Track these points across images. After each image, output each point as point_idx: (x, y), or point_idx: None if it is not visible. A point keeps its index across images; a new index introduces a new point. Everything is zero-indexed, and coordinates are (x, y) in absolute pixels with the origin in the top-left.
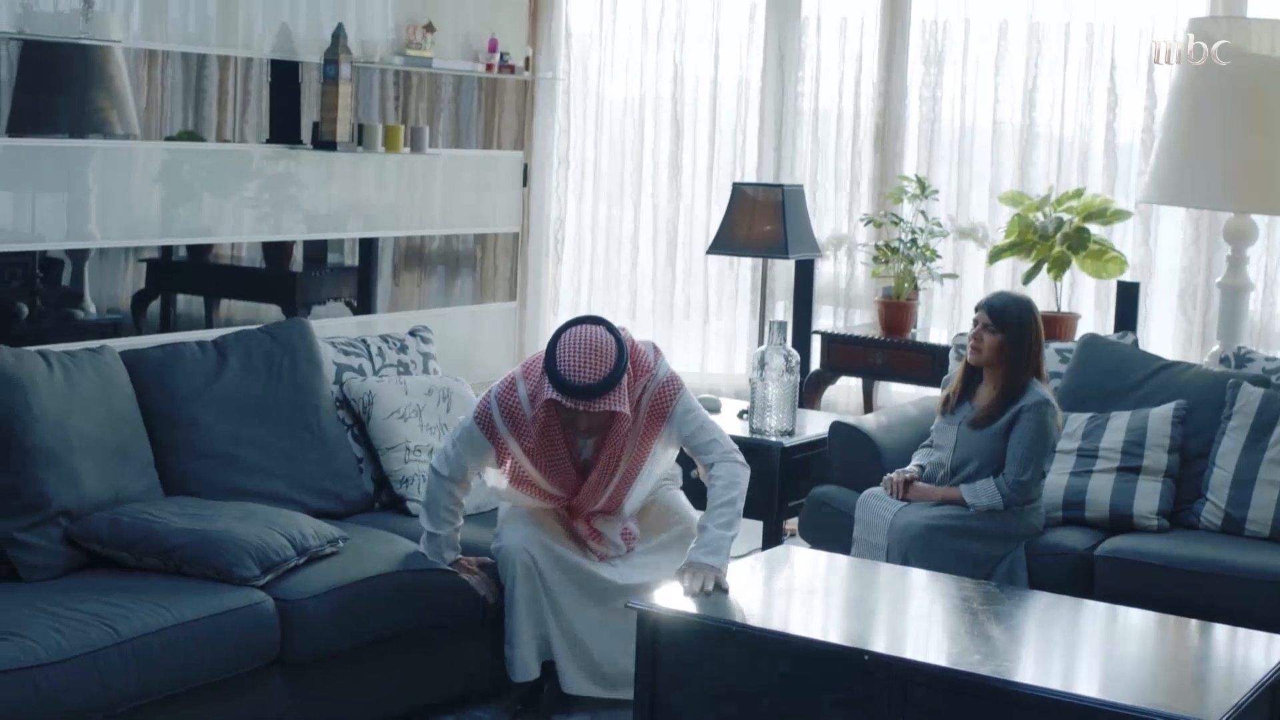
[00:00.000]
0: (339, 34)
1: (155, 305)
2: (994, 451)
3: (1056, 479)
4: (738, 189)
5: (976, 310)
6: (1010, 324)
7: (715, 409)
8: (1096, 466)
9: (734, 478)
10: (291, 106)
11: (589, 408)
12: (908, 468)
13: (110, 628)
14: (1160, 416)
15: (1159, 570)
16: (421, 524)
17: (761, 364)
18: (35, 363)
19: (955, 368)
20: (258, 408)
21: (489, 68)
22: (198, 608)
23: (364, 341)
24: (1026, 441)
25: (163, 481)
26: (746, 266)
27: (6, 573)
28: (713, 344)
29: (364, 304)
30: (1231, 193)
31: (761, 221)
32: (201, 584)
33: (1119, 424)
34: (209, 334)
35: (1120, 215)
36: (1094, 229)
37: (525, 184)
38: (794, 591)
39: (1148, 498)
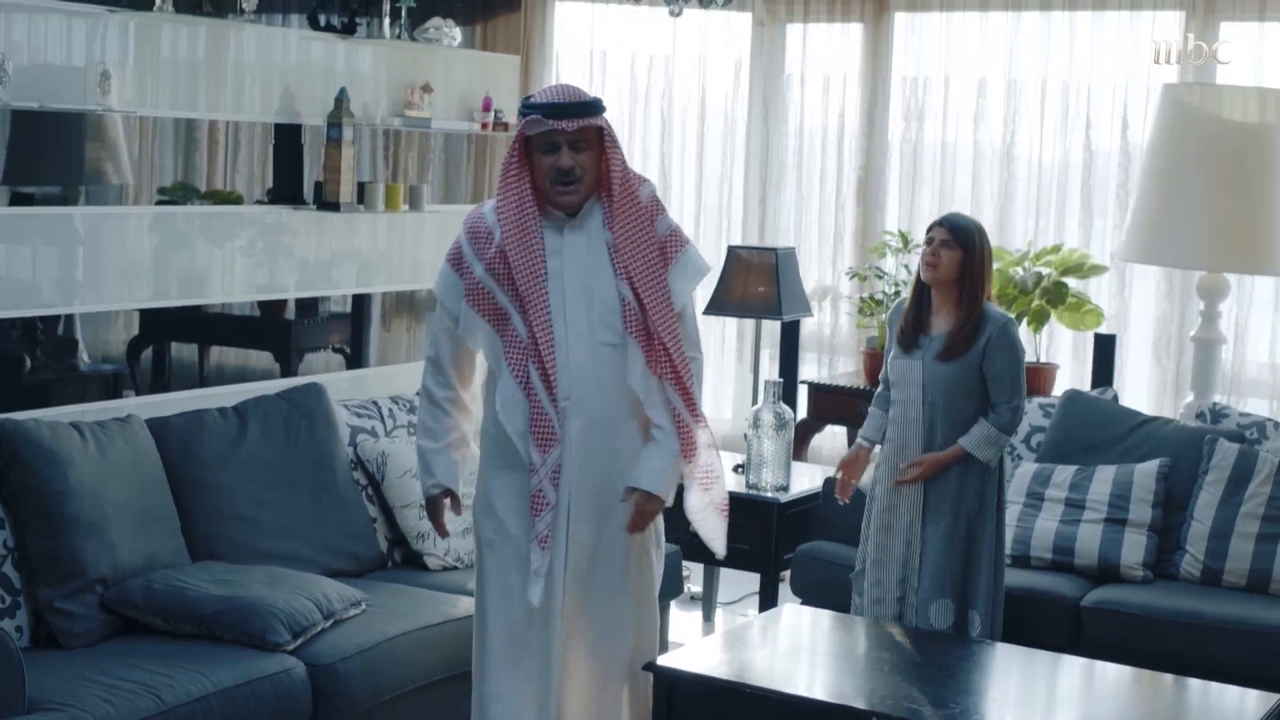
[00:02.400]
0: (342, 97)
1: (149, 353)
2: (969, 381)
3: (1046, 525)
4: (733, 252)
5: (932, 229)
6: (971, 241)
7: None
8: (1084, 516)
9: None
10: (294, 168)
11: (568, 125)
12: (861, 442)
13: (155, 696)
14: (1145, 472)
15: (1143, 621)
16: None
17: (756, 421)
18: (69, 435)
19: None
20: (278, 471)
21: (484, 126)
22: (235, 674)
23: (375, 403)
24: (1010, 365)
25: (189, 545)
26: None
27: (45, 639)
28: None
29: (356, 351)
30: (1205, 252)
31: (755, 283)
32: (235, 650)
33: (1105, 476)
34: (226, 391)
35: (1096, 270)
36: (1071, 283)
37: None
38: (800, 651)
39: (1134, 549)
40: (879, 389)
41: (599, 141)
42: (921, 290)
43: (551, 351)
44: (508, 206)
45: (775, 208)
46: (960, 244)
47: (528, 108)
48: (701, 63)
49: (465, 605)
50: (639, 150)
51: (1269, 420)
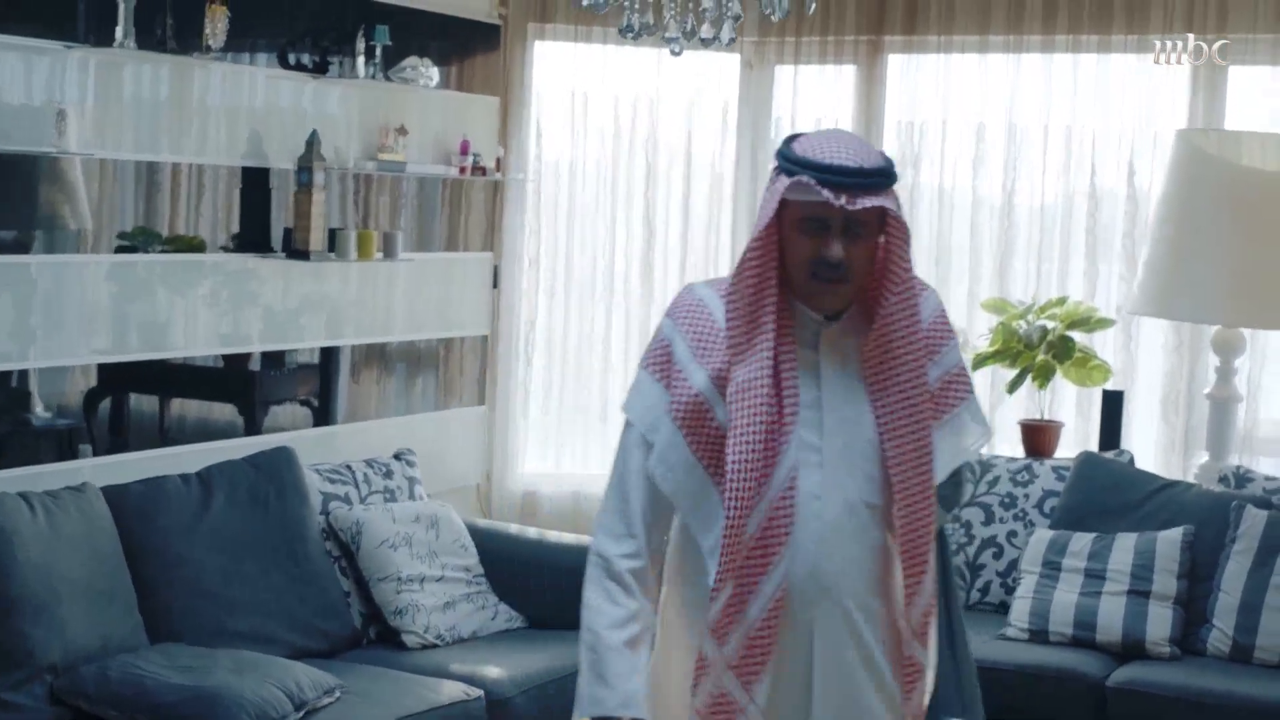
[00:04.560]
0: (313, 140)
1: (106, 406)
2: None
3: (1066, 597)
4: None
5: None
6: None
7: None
8: (1105, 588)
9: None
10: (261, 214)
11: (851, 202)
12: None
13: None
14: (1169, 540)
15: (1172, 702)
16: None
17: None
18: (17, 507)
19: None
20: (244, 543)
21: (462, 170)
22: None
23: (349, 468)
24: None
25: (148, 623)
26: None
27: None
28: None
29: (324, 406)
30: (1222, 306)
31: None
32: None
33: (1126, 545)
34: (189, 451)
35: (1103, 323)
36: (1076, 336)
37: (495, 285)
38: None
39: (1159, 624)
40: None
41: (880, 226)
42: None
43: (791, 508)
44: (741, 295)
45: None
46: None
47: (796, 163)
48: (688, 105)
49: (449, 690)
50: (622, 195)
51: None
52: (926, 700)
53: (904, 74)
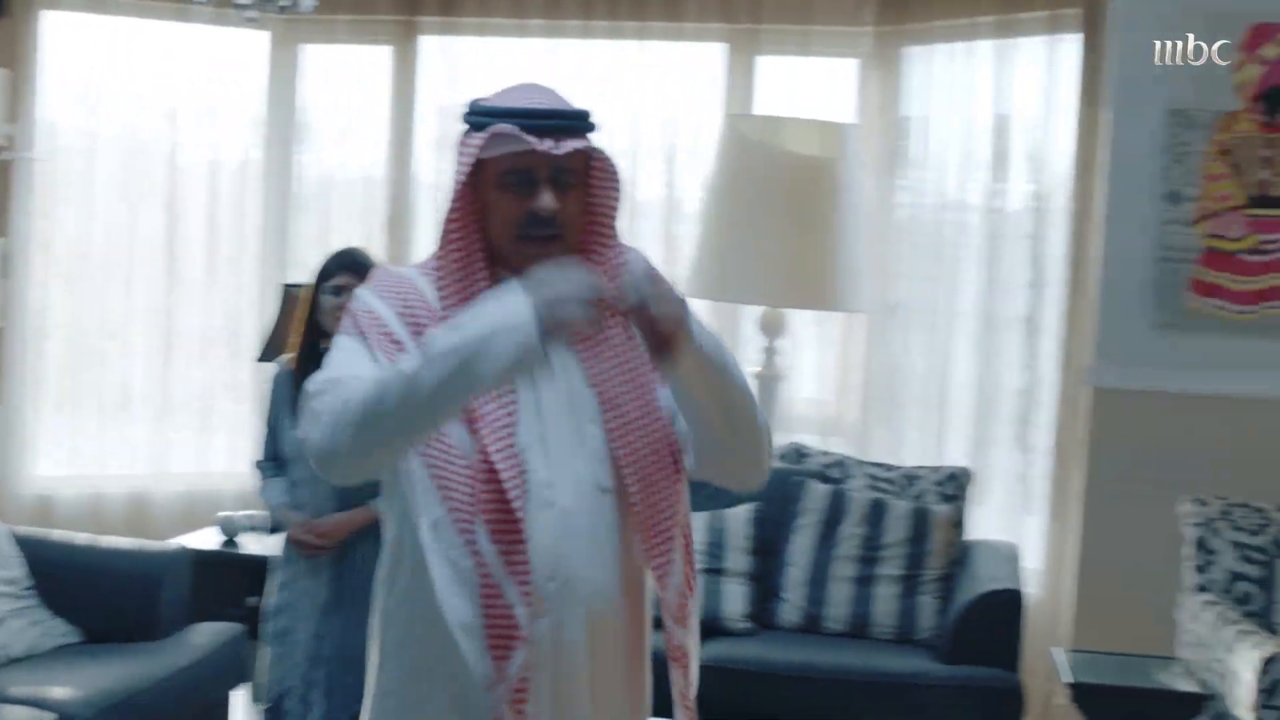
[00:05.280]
0: None
1: None
2: None
3: None
4: (288, 291)
5: (334, 274)
6: None
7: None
8: None
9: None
10: None
11: (557, 145)
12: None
13: None
14: (737, 518)
15: (751, 676)
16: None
17: None
18: None
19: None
20: None
21: None
22: None
23: None
24: None
25: None
26: (247, 360)
27: None
28: (214, 441)
29: None
30: (768, 288)
31: None
32: None
33: (697, 523)
34: None
35: None
36: None
37: (3, 273)
38: None
39: (734, 600)
40: (267, 459)
41: (585, 175)
42: (317, 345)
43: (522, 495)
44: (448, 271)
45: (296, 237)
46: None
47: (490, 114)
48: (213, 84)
49: (16, 716)
50: (142, 176)
51: (849, 458)
52: (693, 691)
53: (441, 56)
